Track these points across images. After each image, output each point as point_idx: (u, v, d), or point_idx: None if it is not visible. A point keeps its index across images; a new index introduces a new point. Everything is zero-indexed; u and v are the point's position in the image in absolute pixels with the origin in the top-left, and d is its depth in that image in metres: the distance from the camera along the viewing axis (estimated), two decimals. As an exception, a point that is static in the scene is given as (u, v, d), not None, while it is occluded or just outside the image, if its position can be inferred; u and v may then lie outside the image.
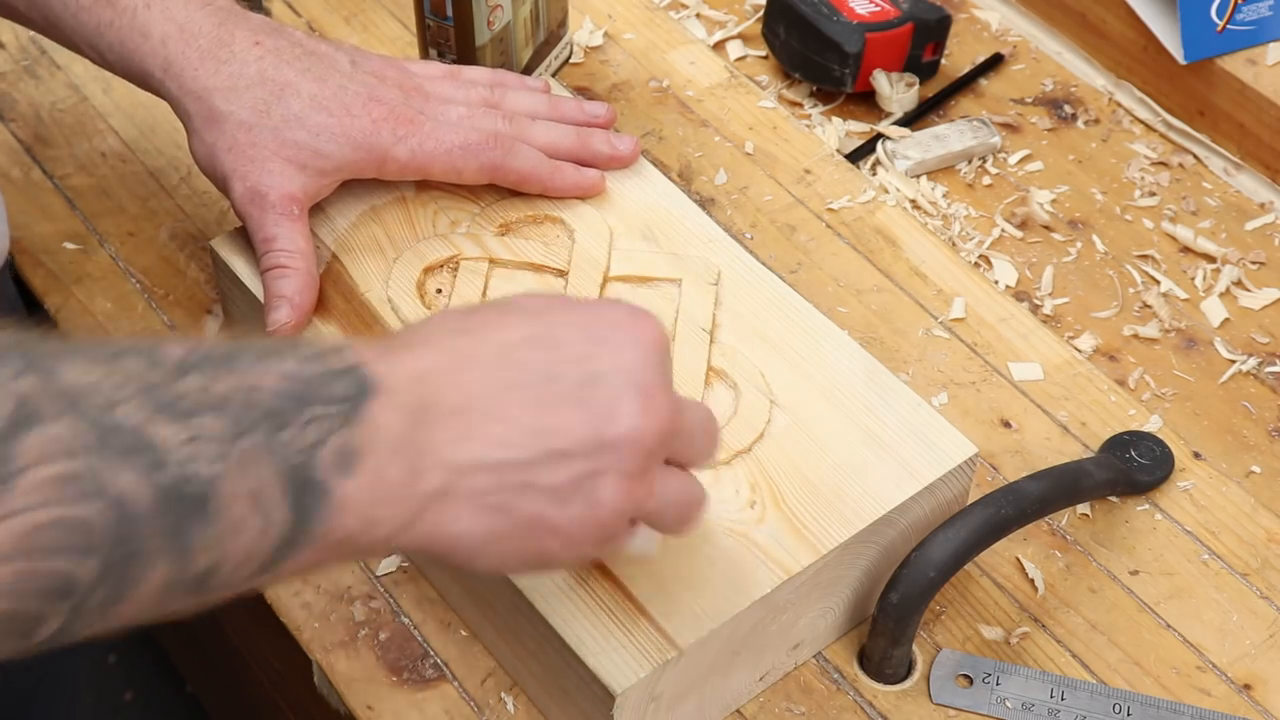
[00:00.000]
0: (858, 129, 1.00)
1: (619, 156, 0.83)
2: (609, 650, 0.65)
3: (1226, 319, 0.89)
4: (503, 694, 0.72)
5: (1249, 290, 0.91)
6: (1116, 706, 0.72)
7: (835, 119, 1.00)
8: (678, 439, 0.59)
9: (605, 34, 1.04)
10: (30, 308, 0.90)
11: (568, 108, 0.84)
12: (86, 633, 0.48)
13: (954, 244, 0.93)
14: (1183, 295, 0.91)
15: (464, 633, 0.74)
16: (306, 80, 0.76)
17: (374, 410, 0.51)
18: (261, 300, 0.76)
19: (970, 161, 0.98)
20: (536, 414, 0.55)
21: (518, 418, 0.55)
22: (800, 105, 1.01)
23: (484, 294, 0.77)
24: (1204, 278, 0.92)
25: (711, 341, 0.76)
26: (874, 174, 0.97)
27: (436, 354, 0.55)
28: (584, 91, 1.00)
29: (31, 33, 1.02)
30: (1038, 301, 0.90)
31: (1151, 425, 0.83)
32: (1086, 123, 1.01)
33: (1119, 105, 1.02)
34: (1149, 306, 0.90)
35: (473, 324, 0.57)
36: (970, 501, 0.72)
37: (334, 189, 0.79)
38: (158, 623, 0.50)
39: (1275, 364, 0.87)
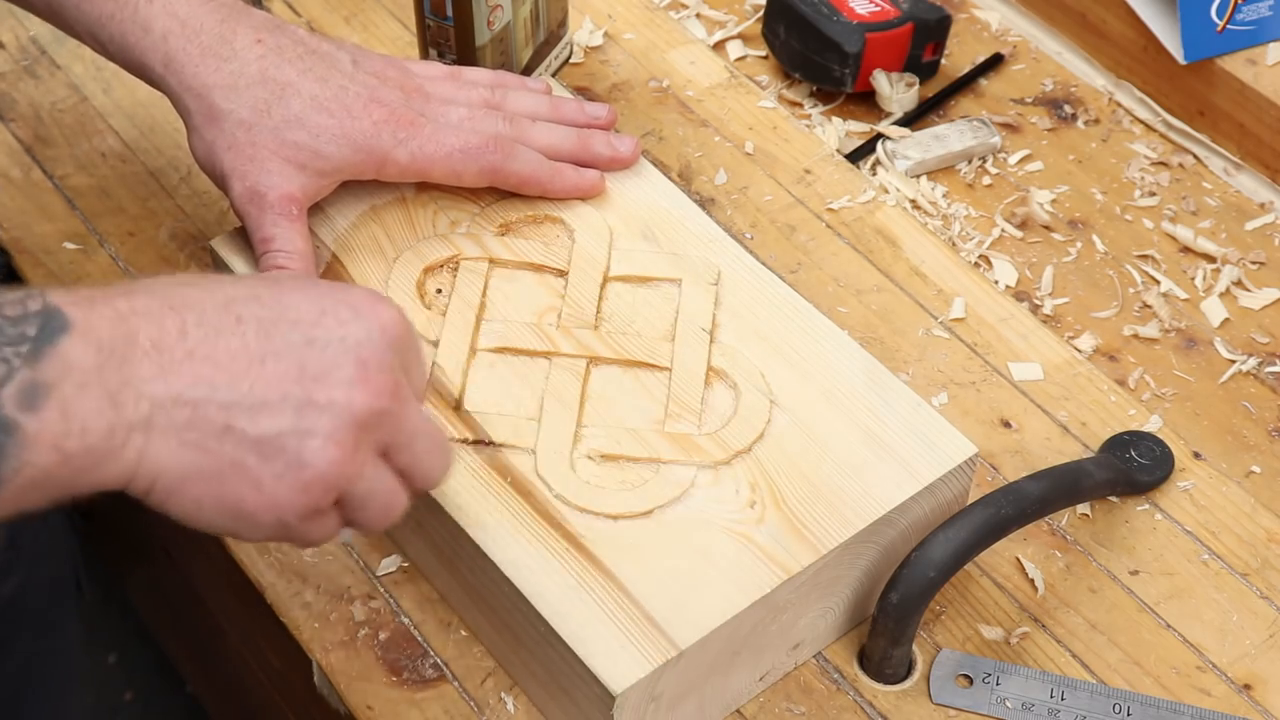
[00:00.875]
0: (858, 129, 1.00)
1: (619, 158, 0.83)
2: (609, 650, 0.65)
3: (1226, 319, 0.89)
4: (503, 694, 0.72)
5: (1249, 290, 0.91)
6: (1116, 706, 0.72)
7: (835, 119, 1.00)
8: (396, 428, 0.59)
9: (605, 34, 1.04)
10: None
11: (568, 109, 0.84)
12: None
13: (954, 244, 0.93)
14: (1183, 295, 0.91)
15: (464, 633, 0.74)
16: (308, 80, 0.76)
17: (64, 346, 0.52)
18: (261, 300, 0.76)
19: (970, 161, 0.98)
20: (247, 362, 0.55)
21: (226, 363, 0.55)
22: (800, 105, 1.01)
23: (484, 294, 0.77)
24: (1204, 278, 0.92)
25: (711, 341, 0.76)
26: (874, 174, 0.97)
27: (149, 298, 0.55)
28: (584, 91, 1.00)
29: (32, 33, 1.02)
30: (1038, 301, 0.90)
31: (1151, 425, 0.83)
32: (1086, 123, 1.01)
33: (1119, 105, 1.02)
34: (1149, 306, 0.90)
35: (203, 280, 0.58)
36: (970, 501, 0.72)
37: (333, 189, 0.79)
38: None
39: (1275, 364, 0.87)
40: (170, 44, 0.76)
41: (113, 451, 0.53)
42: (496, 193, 0.82)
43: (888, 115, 1.00)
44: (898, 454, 0.72)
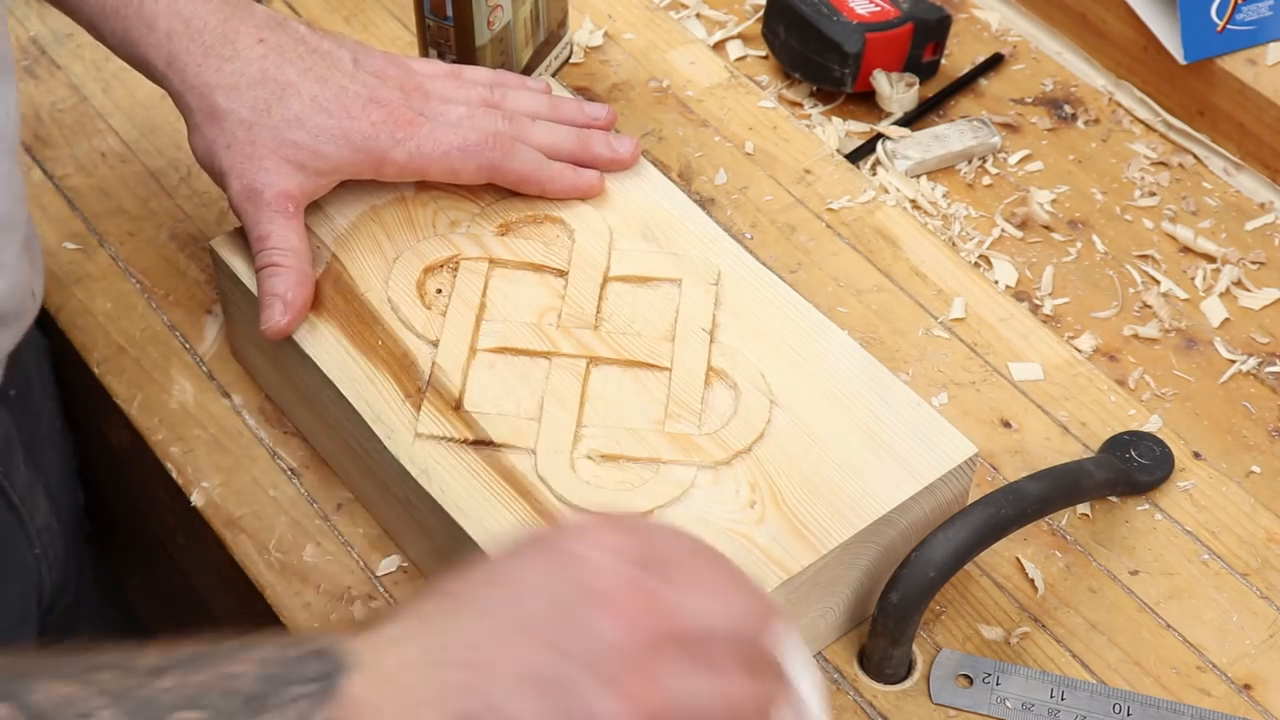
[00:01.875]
0: (858, 129, 1.00)
1: (619, 159, 0.83)
2: (609, 650, 0.65)
3: (1226, 319, 0.89)
4: (503, 694, 0.72)
5: (1249, 290, 0.91)
6: (1116, 706, 0.72)
7: (835, 119, 1.00)
8: (682, 628, 0.52)
9: (605, 34, 1.04)
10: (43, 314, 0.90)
11: (568, 109, 0.84)
12: None
13: (954, 244, 0.93)
14: (1183, 295, 0.91)
15: (464, 633, 0.74)
16: (308, 80, 0.76)
17: (350, 685, 0.49)
18: (261, 300, 0.76)
19: (970, 161, 0.98)
20: (501, 651, 0.51)
21: (483, 663, 0.51)
22: (800, 105, 1.01)
23: (484, 294, 0.77)
24: (1204, 278, 0.92)
25: (711, 341, 0.76)
26: (874, 174, 0.97)
27: (411, 620, 0.52)
28: (584, 91, 1.00)
29: (32, 33, 1.02)
30: (1038, 301, 0.90)
31: (1151, 425, 0.83)
32: (1086, 123, 1.01)
33: (1119, 105, 1.02)
34: (1149, 306, 0.90)
35: (447, 590, 0.54)
36: (970, 501, 0.72)
37: (331, 189, 0.79)
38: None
39: (1275, 364, 0.87)
40: (174, 43, 0.76)
41: None
42: (496, 193, 0.82)
43: (888, 115, 1.00)
44: (898, 454, 0.72)
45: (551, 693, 0.50)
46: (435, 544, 0.72)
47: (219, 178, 0.77)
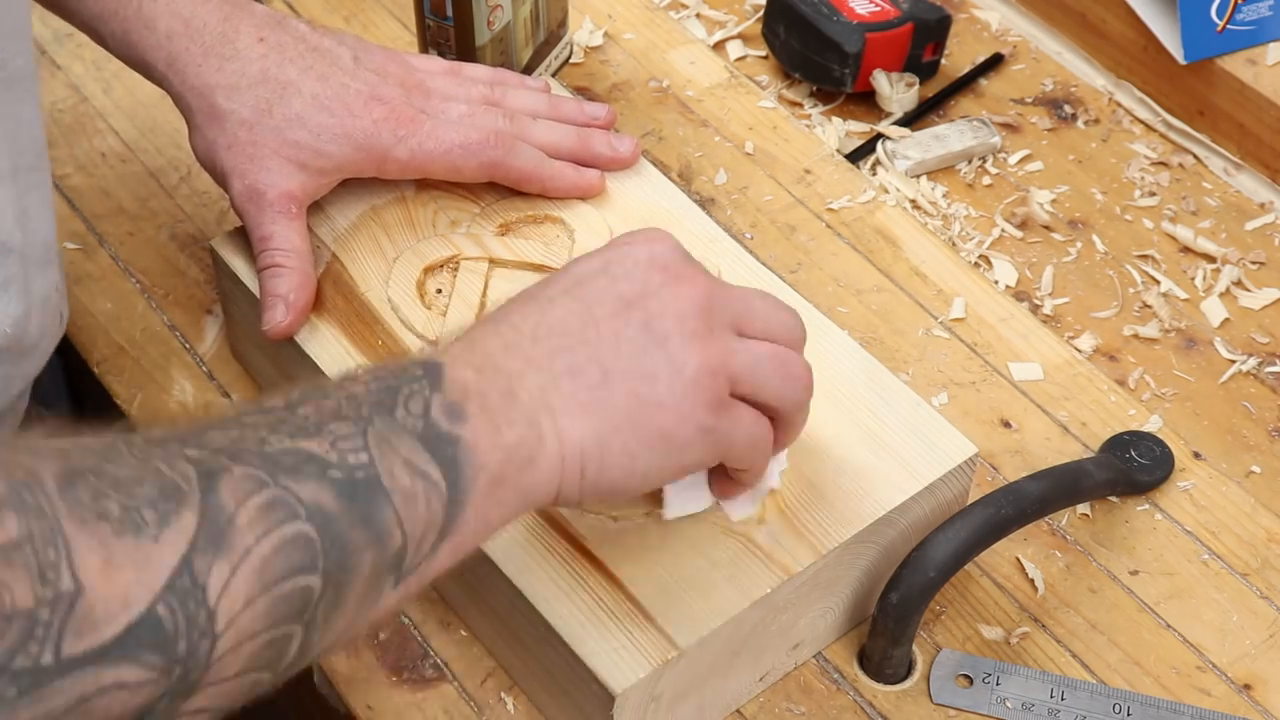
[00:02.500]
0: (858, 129, 1.00)
1: (619, 158, 0.83)
2: (609, 650, 0.65)
3: (1226, 319, 0.89)
4: (503, 694, 0.72)
5: (1249, 290, 0.91)
6: (1116, 706, 0.72)
7: (835, 119, 1.00)
8: (728, 302, 0.62)
9: (605, 34, 1.04)
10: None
11: (568, 108, 0.84)
12: (321, 646, 0.51)
13: (954, 244, 0.93)
14: (1183, 295, 0.91)
15: (464, 633, 0.74)
16: (308, 79, 0.76)
17: (450, 373, 0.55)
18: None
19: (970, 161, 0.98)
20: (579, 320, 0.60)
21: (566, 329, 0.59)
22: (800, 105, 1.01)
23: (484, 294, 0.77)
24: (1204, 278, 0.92)
25: (711, 341, 0.75)
26: (874, 174, 0.97)
27: (475, 327, 0.60)
28: (584, 91, 1.00)
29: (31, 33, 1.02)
30: (1038, 301, 0.90)
31: (1151, 425, 0.83)
32: (1086, 123, 1.01)
33: (1119, 105, 1.02)
34: (1149, 306, 0.90)
35: (499, 305, 0.62)
36: (970, 501, 0.72)
37: (333, 187, 0.79)
38: (384, 621, 0.55)
39: (1275, 364, 0.87)
40: (174, 44, 0.76)
41: (539, 439, 0.56)
42: (497, 192, 0.82)
43: (888, 115, 1.00)
44: (898, 454, 0.72)
45: (640, 348, 0.59)
46: (435, 544, 0.72)
47: (221, 178, 0.77)
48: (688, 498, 0.68)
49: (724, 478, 0.67)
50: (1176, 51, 0.97)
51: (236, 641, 0.47)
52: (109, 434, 0.48)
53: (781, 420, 0.64)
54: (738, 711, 0.72)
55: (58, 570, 0.43)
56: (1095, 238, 0.94)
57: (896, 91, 0.99)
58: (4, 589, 0.42)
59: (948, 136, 0.98)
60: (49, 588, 0.43)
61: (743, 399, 0.62)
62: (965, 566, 0.72)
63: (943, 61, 1.02)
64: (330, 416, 0.52)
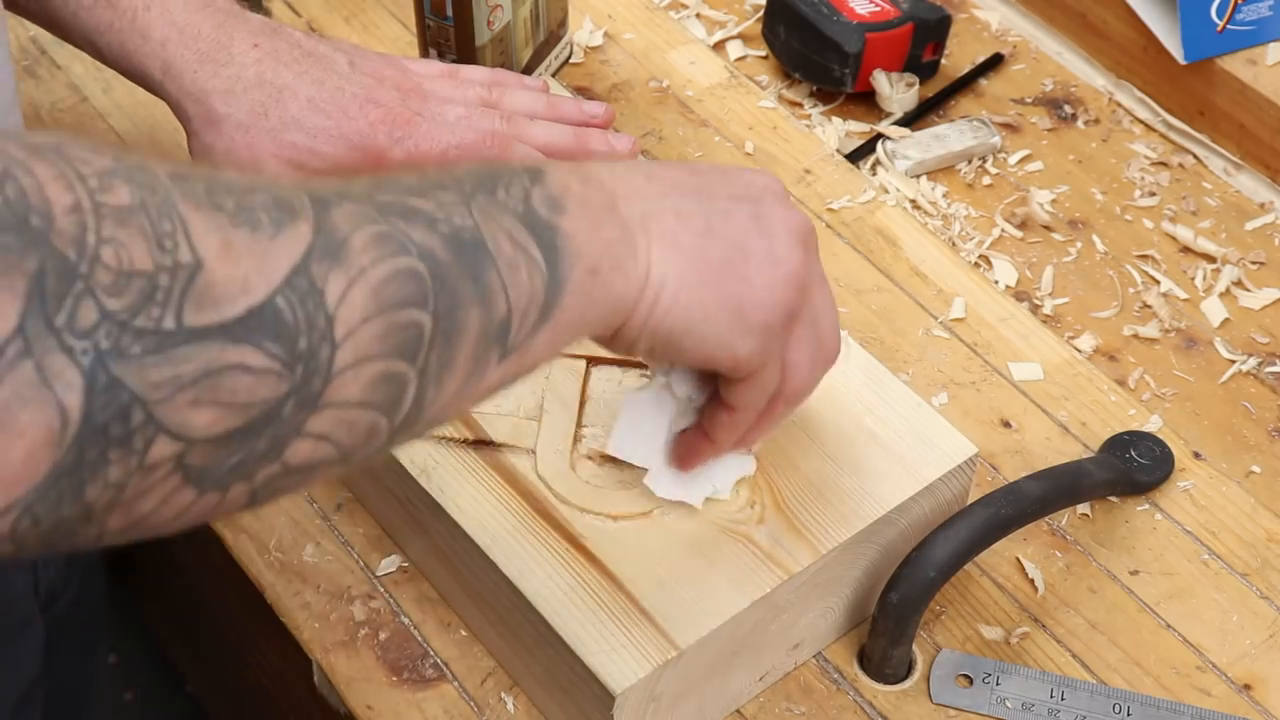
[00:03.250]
0: (858, 129, 1.00)
1: (617, 156, 0.83)
2: (609, 650, 0.65)
3: (1226, 319, 0.89)
4: (503, 694, 0.72)
5: (1249, 290, 0.91)
6: (1116, 706, 0.72)
7: (835, 119, 1.00)
8: (815, 265, 0.64)
9: (605, 34, 1.04)
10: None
11: (566, 107, 0.84)
12: (433, 408, 0.50)
13: (954, 244, 0.93)
14: (1183, 295, 0.91)
15: (464, 633, 0.74)
16: (304, 83, 0.77)
17: (553, 174, 0.56)
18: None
19: (970, 161, 0.98)
20: (694, 185, 0.61)
21: (680, 183, 0.61)
22: (800, 105, 1.01)
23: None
24: (1204, 278, 0.92)
25: (711, 341, 0.75)
26: (874, 174, 0.97)
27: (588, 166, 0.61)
28: (584, 91, 1.00)
29: (31, 33, 1.02)
30: (1038, 301, 0.90)
31: (1151, 425, 0.83)
32: (1086, 123, 1.01)
33: (1119, 105, 1.02)
34: (1149, 306, 0.90)
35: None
36: (970, 501, 0.72)
37: None
38: (487, 398, 0.54)
39: (1275, 364, 0.87)
40: (169, 51, 0.76)
41: (632, 250, 0.57)
42: (496, 193, 0.82)
43: (888, 115, 1.00)
44: (898, 454, 0.72)
45: (746, 229, 0.60)
46: (435, 544, 0.72)
47: None
48: (675, 482, 0.68)
49: (696, 438, 0.67)
50: (1176, 51, 0.97)
51: (355, 358, 0.46)
52: None
53: (789, 387, 0.64)
54: (738, 711, 0.72)
55: (175, 241, 0.42)
56: (1095, 238, 0.94)
57: (896, 91, 0.99)
58: (120, 248, 0.41)
59: (948, 136, 0.98)
60: (168, 255, 0.42)
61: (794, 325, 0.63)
62: (965, 566, 0.72)
63: (943, 61, 1.02)
64: (436, 185, 0.52)
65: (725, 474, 0.70)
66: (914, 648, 0.74)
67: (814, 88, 1.02)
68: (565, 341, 0.56)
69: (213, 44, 0.76)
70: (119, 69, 0.79)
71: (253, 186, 0.46)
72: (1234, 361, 0.87)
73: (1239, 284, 0.91)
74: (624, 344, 0.59)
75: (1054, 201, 0.96)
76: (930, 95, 1.01)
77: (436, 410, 0.51)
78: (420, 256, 0.48)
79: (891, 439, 0.72)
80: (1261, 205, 0.96)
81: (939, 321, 0.88)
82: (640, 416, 0.68)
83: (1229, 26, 0.96)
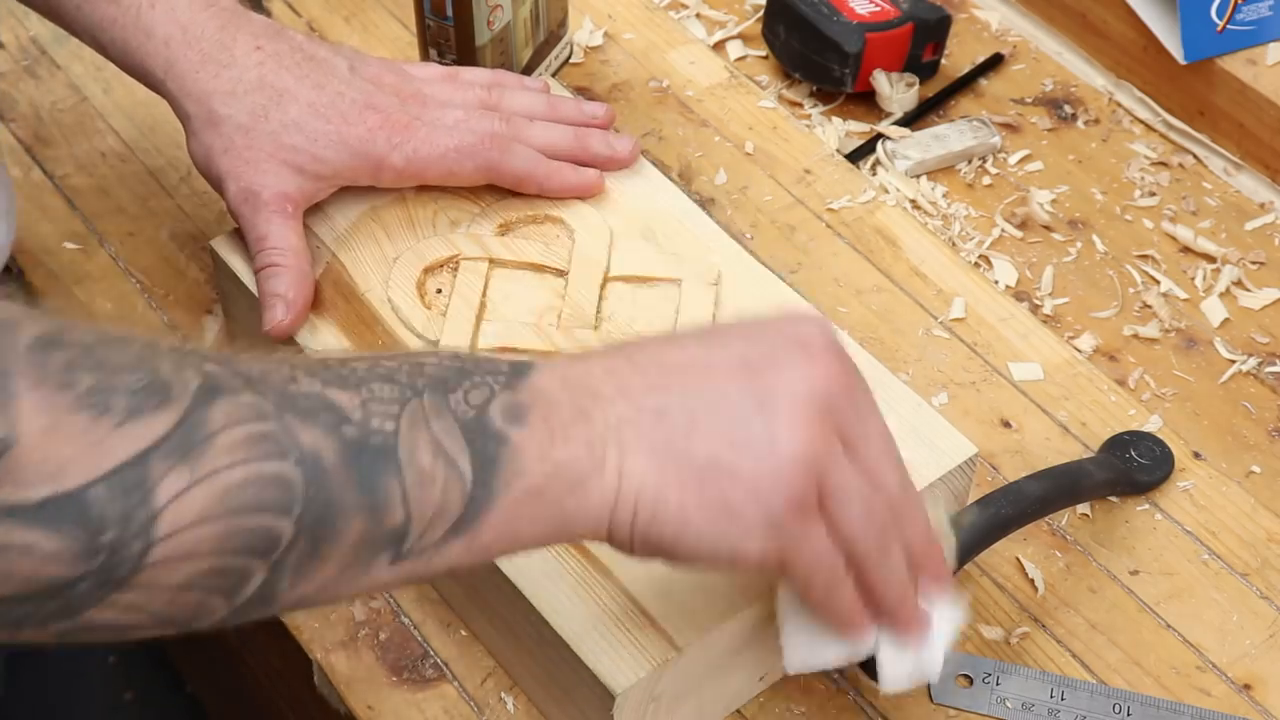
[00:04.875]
0: (858, 129, 1.00)
1: (617, 157, 0.83)
2: (609, 650, 0.65)
3: (1226, 319, 0.89)
4: (503, 694, 0.72)
5: (1249, 290, 0.91)
6: (1116, 706, 0.72)
7: (835, 119, 1.00)
8: (853, 415, 0.57)
9: (605, 34, 1.04)
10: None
11: (566, 108, 0.84)
12: (293, 595, 0.50)
13: (954, 244, 0.93)
14: (1183, 295, 0.91)
15: (464, 633, 0.74)
16: (304, 86, 0.77)
17: (535, 378, 0.54)
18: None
19: (970, 161, 0.98)
20: (696, 370, 0.57)
21: (677, 372, 0.57)
22: (800, 105, 1.01)
23: (484, 294, 0.77)
24: (1204, 278, 0.92)
25: (711, 341, 0.75)
26: (874, 174, 0.97)
27: (596, 350, 0.59)
28: (584, 91, 1.00)
29: (32, 33, 1.02)
30: (1038, 301, 0.90)
31: (1151, 425, 0.83)
32: (1086, 123, 1.01)
33: (1119, 105, 1.02)
34: (1149, 306, 0.90)
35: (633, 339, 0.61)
36: (970, 501, 0.72)
37: (328, 194, 0.79)
38: (378, 593, 0.53)
39: (1275, 364, 0.87)
40: (171, 50, 0.76)
41: (595, 465, 0.54)
42: (497, 193, 0.82)
43: (888, 115, 1.00)
44: (898, 454, 0.72)
45: (741, 413, 0.55)
46: (435, 544, 0.72)
47: (216, 182, 0.77)
48: (811, 646, 0.63)
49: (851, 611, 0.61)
50: (1176, 51, 0.97)
51: (179, 554, 0.46)
52: (145, 333, 0.48)
53: (860, 565, 0.58)
54: (738, 711, 0.72)
55: None
56: (1095, 238, 0.94)
57: (896, 91, 0.99)
58: None
59: (948, 136, 0.98)
60: None
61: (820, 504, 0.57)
62: (965, 566, 0.72)
63: (943, 61, 1.02)
64: (379, 377, 0.51)
65: (939, 632, 0.63)
66: (914, 648, 0.74)
67: (814, 88, 1.02)
68: (503, 553, 0.55)
69: (215, 45, 0.76)
70: (120, 64, 0.79)
71: (133, 368, 0.46)
72: (1234, 361, 0.87)
73: (1239, 284, 0.91)
74: (624, 553, 0.56)
75: (1054, 201, 0.96)
76: (930, 95, 1.01)
77: (301, 595, 0.50)
78: (298, 462, 0.48)
79: (891, 439, 0.72)
80: (1261, 205, 0.96)
81: (939, 321, 0.88)
82: (800, 617, 0.63)
83: (1229, 26, 0.96)
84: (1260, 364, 0.87)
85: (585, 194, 0.82)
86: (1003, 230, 0.94)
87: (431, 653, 0.73)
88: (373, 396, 0.50)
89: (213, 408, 0.47)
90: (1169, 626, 0.76)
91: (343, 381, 0.50)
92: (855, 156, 0.97)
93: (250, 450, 0.47)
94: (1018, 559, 0.78)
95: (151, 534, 0.45)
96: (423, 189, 0.82)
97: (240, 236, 0.78)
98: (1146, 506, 0.80)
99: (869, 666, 0.73)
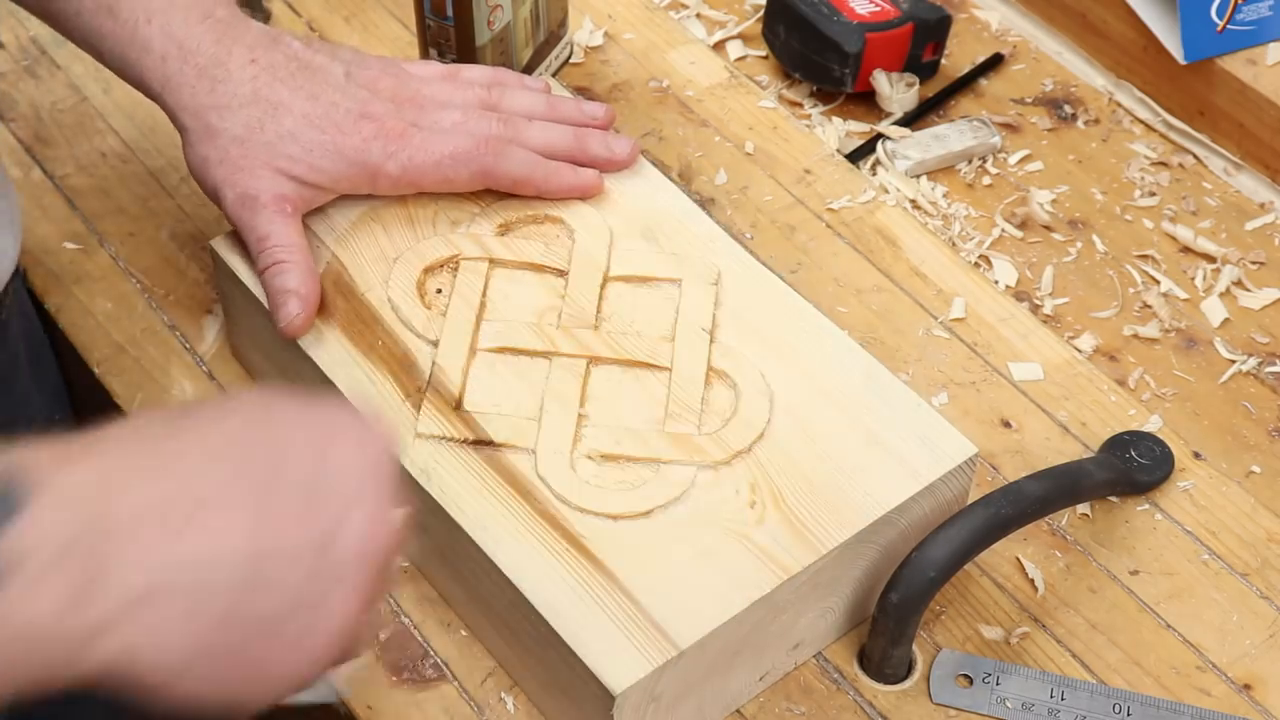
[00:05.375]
0: (858, 129, 1.00)
1: (616, 158, 0.83)
2: (609, 650, 0.65)
3: (1226, 319, 0.89)
4: (503, 694, 0.72)
5: (1249, 290, 0.91)
6: (1116, 706, 0.72)
7: (835, 119, 1.00)
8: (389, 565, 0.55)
9: (605, 34, 1.04)
10: (43, 314, 0.90)
11: (566, 108, 0.84)
12: None
13: (954, 244, 0.93)
14: (1183, 295, 0.91)
15: (464, 633, 0.74)
16: (299, 98, 0.77)
17: (32, 517, 0.45)
18: (261, 300, 0.76)
19: (970, 161, 0.98)
20: (253, 510, 0.50)
21: (221, 532, 0.49)
22: (800, 105, 1.01)
23: (484, 294, 0.77)
24: (1204, 278, 0.92)
25: (711, 341, 0.76)
26: (874, 174, 0.97)
27: (126, 453, 0.49)
28: (584, 91, 1.00)
29: (32, 33, 1.02)
30: (1038, 301, 0.90)
31: (1151, 425, 0.83)
32: (1086, 123, 1.01)
33: (1119, 105, 1.02)
34: (1149, 306, 0.90)
35: (176, 428, 0.52)
36: (970, 501, 0.72)
37: (325, 203, 0.79)
38: None
39: (1275, 364, 0.87)
40: (168, 66, 0.77)
41: (91, 642, 0.47)
42: (497, 193, 0.82)
43: (888, 115, 1.00)
44: (898, 454, 0.72)
45: (295, 582, 0.50)
46: (435, 543, 0.72)
47: (213, 192, 0.78)
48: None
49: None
50: (1176, 51, 0.97)
51: None
52: None
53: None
54: (738, 711, 0.72)
55: None
56: (1095, 238, 0.94)
57: (896, 91, 0.99)
58: None
59: (948, 136, 0.98)
60: None
61: None
62: (965, 566, 0.72)
63: (943, 61, 1.02)
64: None
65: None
66: (914, 648, 0.74)
67: (814, 88, 1.02)
68: None
69: (210, 59, 0.77)
70: (116, 72, 0.79)
71: None
72: (1234, 361, 0.87)
73: (1239, 284, 0.91)
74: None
75: (1054, 201, 0.96)
76: (930, 95, 1.01)
77: None
78: None
79: (891, 439, 0.72)
80: (1261, 205, 0.96)
81: (939, 321, 0.88)
82: None
83: (1229, 26, 0.96)
84: (1260, 364, 0.87)
85: (584, 195, 0.82)
86: (1003, 230, 0.94)
87: (431, 653, 0.73)
88: None
89: None
90: (1169, 626, 0.76)
91: None
92: (855, 156, 0.97)
93: None
94: (1018, 559, 0.78)
95: None
96: (423, 189, 0.82)
97: (240, 238, 0.78)
98: (1146, 506, 0.80)
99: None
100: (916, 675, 0.73)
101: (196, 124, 0.77)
